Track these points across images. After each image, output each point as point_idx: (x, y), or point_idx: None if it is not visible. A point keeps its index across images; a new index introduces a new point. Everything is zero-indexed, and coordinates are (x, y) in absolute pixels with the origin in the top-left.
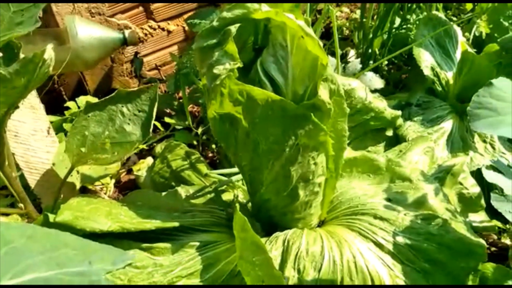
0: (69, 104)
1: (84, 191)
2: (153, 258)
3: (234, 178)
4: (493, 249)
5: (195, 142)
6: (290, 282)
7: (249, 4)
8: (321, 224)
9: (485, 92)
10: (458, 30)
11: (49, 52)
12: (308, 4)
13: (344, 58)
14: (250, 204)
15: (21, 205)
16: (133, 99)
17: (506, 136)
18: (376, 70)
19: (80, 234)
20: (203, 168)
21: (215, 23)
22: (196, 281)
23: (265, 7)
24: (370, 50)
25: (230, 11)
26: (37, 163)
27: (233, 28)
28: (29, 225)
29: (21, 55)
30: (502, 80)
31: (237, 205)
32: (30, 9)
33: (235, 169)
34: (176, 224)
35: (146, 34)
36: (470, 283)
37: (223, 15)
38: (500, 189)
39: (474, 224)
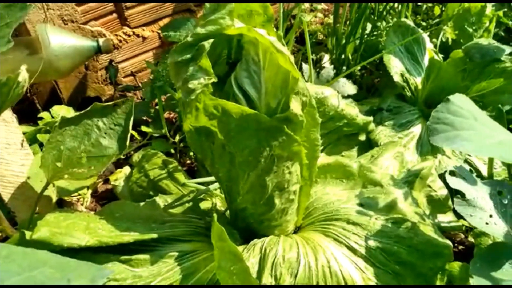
0: (43, 114)
1: (61, 202)
2: (132, 270)
3: (211, 186)
4: (460, 247)
5: (172, 150)
6: None
7: (222, 21)
8: (297, 230)
9: (443, 108)
10: (425, 36)
11: (23, 74)
12: (281, 10)
13: (318, 63)
14: (228, 212)
15: None
16: (108, 113)
17: (461, 150)
18: (349, 75)
19: (58, 250)
20: (180, 177)
21: (189, 39)
22: None
23: (238, 23)
24: (343, 56)
25: (204, 27)
26: (11, 176)
27: (207, 44)
28: (5, 244)
29: None
30: (459, 96)
31: (215, 215)
32: (2, 29)
33: (213, 178)
34: (154, 235)
35: (120, 41)
36: (438, 282)
37: (196, 31)
38: (462, 194)
39: (442, 225)
